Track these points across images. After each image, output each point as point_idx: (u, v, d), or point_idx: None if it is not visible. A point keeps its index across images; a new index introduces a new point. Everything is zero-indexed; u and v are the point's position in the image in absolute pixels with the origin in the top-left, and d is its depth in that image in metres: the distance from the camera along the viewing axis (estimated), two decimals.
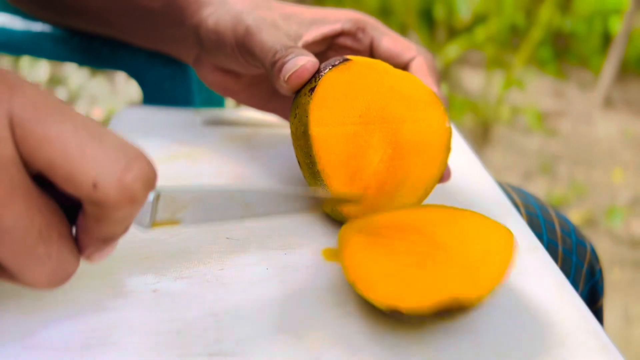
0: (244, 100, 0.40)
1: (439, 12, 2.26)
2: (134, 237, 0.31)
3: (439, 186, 0.39)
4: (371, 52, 0.36)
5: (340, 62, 0.30)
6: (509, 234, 0.27)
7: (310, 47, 0.36)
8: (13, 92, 0.19)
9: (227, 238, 0.31)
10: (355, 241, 0.28)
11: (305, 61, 0.29)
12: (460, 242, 0.27)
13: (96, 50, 0.50)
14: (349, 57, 0.31)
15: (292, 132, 0.32)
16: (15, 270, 0.20)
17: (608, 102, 2.32)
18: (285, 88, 0.31)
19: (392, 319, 0.26)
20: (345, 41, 0.37)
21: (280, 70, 0.30)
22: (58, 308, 0.25)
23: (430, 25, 2.37)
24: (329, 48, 0.37)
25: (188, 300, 0.26)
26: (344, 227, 0.29)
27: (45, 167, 0.19)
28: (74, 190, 0.19)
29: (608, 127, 2.16)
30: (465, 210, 0.30)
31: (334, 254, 0.30)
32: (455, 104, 2.00)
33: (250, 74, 0.37)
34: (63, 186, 0.19)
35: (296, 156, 0.32)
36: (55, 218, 0.20)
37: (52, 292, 0.26)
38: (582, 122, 2.18)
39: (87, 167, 0.19)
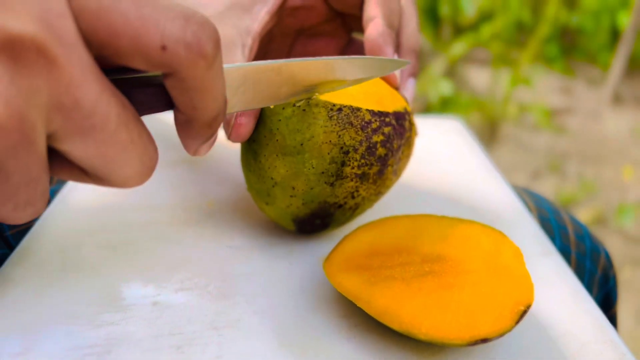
0: None
1: (444, 10, 2.25)
2: (134, 248, 0.30)
3: (449, 190, 0.38)
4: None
5: None
6: (514, 247, 0.26)
7: (263, 34, 0.32)
8: None
9: (229, 247, 0.30)
10: (354, 282, 0.25)
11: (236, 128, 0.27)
12: (464, 255, 0.26)
13: None
14: None
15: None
16: (101, 166, 0.19)
17: (617, 99, 2.30)
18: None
19: (398, 335, 0.25)
20: (295, 1, 0.33)
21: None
22: (56, 323, 0.24)
23: (436, 23, 2.36)
24: (280, 18, 0.34)
25: (189, 313, 0.26)
26: (326, 266, 0.27)
27: (107, 38, 0.18)
28: (142, 59, 0.18)
29: (617, 124, 2.14)
30: (440, 217, 0.29)
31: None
32: (462, 102, 1.98)
33: None
34: (129, 58, 0.18)
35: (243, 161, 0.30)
36: (124, 100, 0.19)
37: (47, 306, 0.25)
38: (590, 119, 2.16)
39: (149, 30, 0.18)
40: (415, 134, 0.32)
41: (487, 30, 2.17)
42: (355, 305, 0.27)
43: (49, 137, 0.18)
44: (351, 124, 0.26)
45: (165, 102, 0.21)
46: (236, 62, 0.29)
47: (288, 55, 0.36)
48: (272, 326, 0.25)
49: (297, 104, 0.26)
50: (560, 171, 1.79)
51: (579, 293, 0.29)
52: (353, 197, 0.28)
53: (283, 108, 0.27)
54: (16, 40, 0.16)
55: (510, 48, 2.34)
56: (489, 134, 1.92)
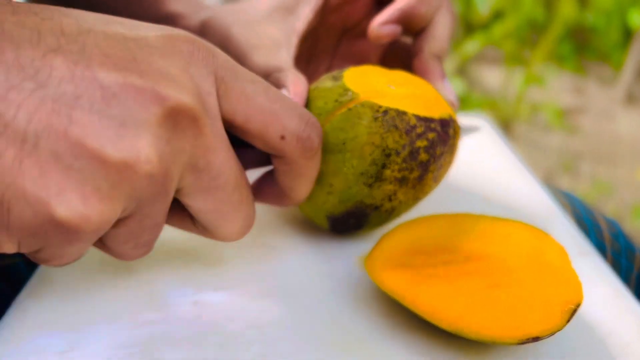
0: None
1: (456, 8, 2.24)
2: (168, 246, 0.30)
3: (481, 189, 0.37)
4: None
5: None
6: (558, 246, 0.26)
7: (308, 33, 0.33)
8: (214, 55, 0.22)
9: (263, 245, 0.30)
10: (398, 280, 0.25)
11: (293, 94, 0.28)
12: (507, 254, 0.26)
13: None
14: None
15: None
16: (214, 220, 0.23)
17: (630, 98, 2.28)
18: None
19: (443, 334, 0.25)
20: None
21: None
22: (98, 322, 0.24)
23: None
24: (324, 16, 0.34)
25: (230, 312, 0.25)
26: (368, 265, 0.26)
27: (242, 120, 0.22)
28: (262, 142, 0.23)
29: (630, 123, 2.12)
30: (480, 216, 0.29)
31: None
32: (474, 101, 1.98)
33: None
34: (254, 138, 0.23)
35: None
36: (242, 167, 0.23)
37: (91, 305, 0.25)
38: (603, 118, 2.14)
39: (277, 122, 0.22)
40: (459, 138, 0.31)
41: (499, 29, 2.16)
42: (396, 304, 0.26)
43: (177, 191, 0.21)
44: (396, 127, 0.26)
45: (264, 164, 0.26)
46: (282, 61, 0.29)
47: (333, 56, 0.36)
48: (314, 325, 0.25)
49: (350, 108, 0.26)
50: (573, 171, 1.78)
51: (621, 292, 0.28)
52: (390, 200, 0.28)
53: (325, 103, 0.27)
54: (180, 109, 0.19)
55: (522, 47, 2.32)
56: (501, 133, 1.91)
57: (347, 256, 0.30)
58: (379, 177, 0.26)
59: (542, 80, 2.12)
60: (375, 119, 0.26)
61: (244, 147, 0.25)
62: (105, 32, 0.20)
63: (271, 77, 0.29)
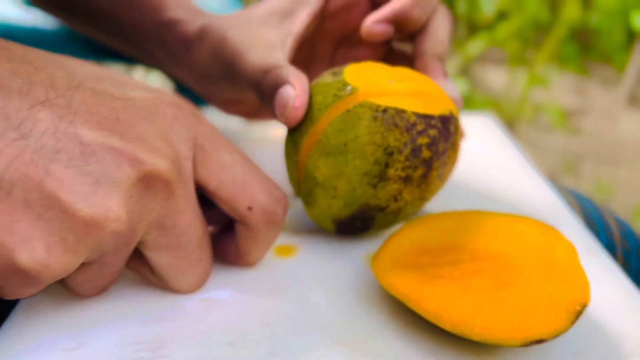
0: (265, 117, 0.38)
1: (460, 8, 2.23)
2: None
3: (489, 188, 0.37)
4: None
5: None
6: (567, 243, 0.26)
7: (305, 38, 0.33)
8: (198, 121, 0.23)
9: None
10: (403, 281, 0.25)
11: (293, 98, 0.27)
12: (515, 252, 0.26)
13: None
14: None
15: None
16: (172, 274, 0.24)
17: (633, 100, 2.27)
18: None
19: (451, 334, 0.25)
20: (338, 1, 0.33)
21: (274, 106, 0.28)
22: (106, 319, 0.24)
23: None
24: (322, 22, 0.34)
25: (239, 309, 0.25)
26: (374, 266, 0.26)
27: (214, 186, 0.23)
28: (231, 209, 0.24)
29: (633, 125, 2.11)
30: (488, 213, 0.28)
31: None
32: (477, 101, 1.97)
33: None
34: (223, 205, 0.24)
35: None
36: (206, 226, 0.24)
37: (99, 303, 0.25)
38: (606, 120, 2.14)
39: (247, 193, 0.24)
40: (461, 135, 0.31)
41: (503, 30, 2.16)
42: (405, 306, 0.26)
43: (140, 242, 0.22)
44: (396, 125, 0.26)
45: (224, 225, 0.27)
46: (278, 59, 0.29)
47: (331, 63, 0.36)
48: (323, 324, 0.25)
49: (349, 109, 0.26)
50: (575, 172, 1.78)
51: (630, 291, 0.28)
52: (396, 200, 0.27)
53: (324, 97, 0.26)
54: (155, 174, 0.20)
55: (526, 47, 2.32)
56: (508, 133, 1.91)
57: (355, 254, 0.30)
58: (383, 177, 0.26)
59: (545, 81, 2.12)
60: (375, 118, 0.26)
61: (210, 206, 0.26)
62: (95, 89, 0.21)
63: (271, 74, 0.28)
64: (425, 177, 0.27)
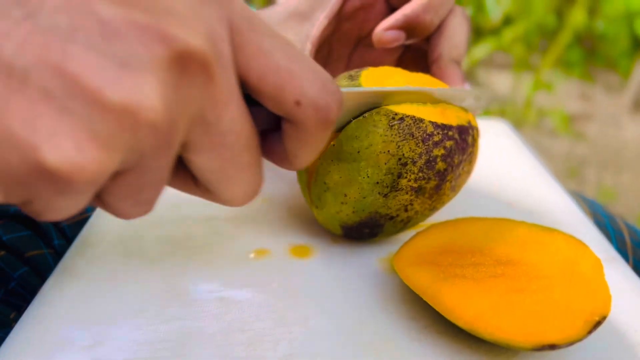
0: None
1: (468, 12, 2.23)
2: (192, 242, 0.30)
3: (504, 194, 0.37)
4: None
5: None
6: (594, 257, 0.26)
7: (322, 41, 0.33)
8: (230, 0, 0.19)
9: (285, 243, 0.30)
10: (423, 276, 0.25)
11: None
12: (540, 261, 0.26)
13: None
14: None
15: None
16: (218, 181, 0.20)
17: (637, 106, 2.27)
18: None
19: (471, 337, 0.25)
20: (354, 2, 0.33)
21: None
22: (124, 316, 0.24)
23: None
24: (339, 23, 0.34)
25: (256, 309, 0.25)
26: (395, 260, 0.26)
27: (256, 77, 0.19)
28: (275, 105, 0.20)
29: (637, 130, 2.11)
30: (519, 222, 0.28)
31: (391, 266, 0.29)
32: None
33: None
34: (266, 99, 0.20)
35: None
36: (254, 126, 0.20)
37: (116, 300, 0.25)
38: (610, 125, 2.13)
39: (293, 84, 0.19)
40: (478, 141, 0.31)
41: (508, 34, 2.15)
42: (423, 307, 0.26)
43: (182, 145, 0.19)
44: (412, 135, 0.25)
45: (274, 127, 0.23)
46: None
47: (348, 64, 0.36)
48: (341, 326, 0.25)
49: (365, 116, 0.25)
50: (579, 177, 1.77)
51: None
52: (406, 211, 0.27)
53: None
54: (190, 53, 0.17)
55: (531, 52, 2.32)
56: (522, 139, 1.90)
57: (371, 257, 0.30)
58: (394, 187, 0.26)
59: (550, 86, 2.11)
60: (391, 126, 0.25)
61: (254, 105, 0.22)
62: None
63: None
64: (438, 188, 0.27)
